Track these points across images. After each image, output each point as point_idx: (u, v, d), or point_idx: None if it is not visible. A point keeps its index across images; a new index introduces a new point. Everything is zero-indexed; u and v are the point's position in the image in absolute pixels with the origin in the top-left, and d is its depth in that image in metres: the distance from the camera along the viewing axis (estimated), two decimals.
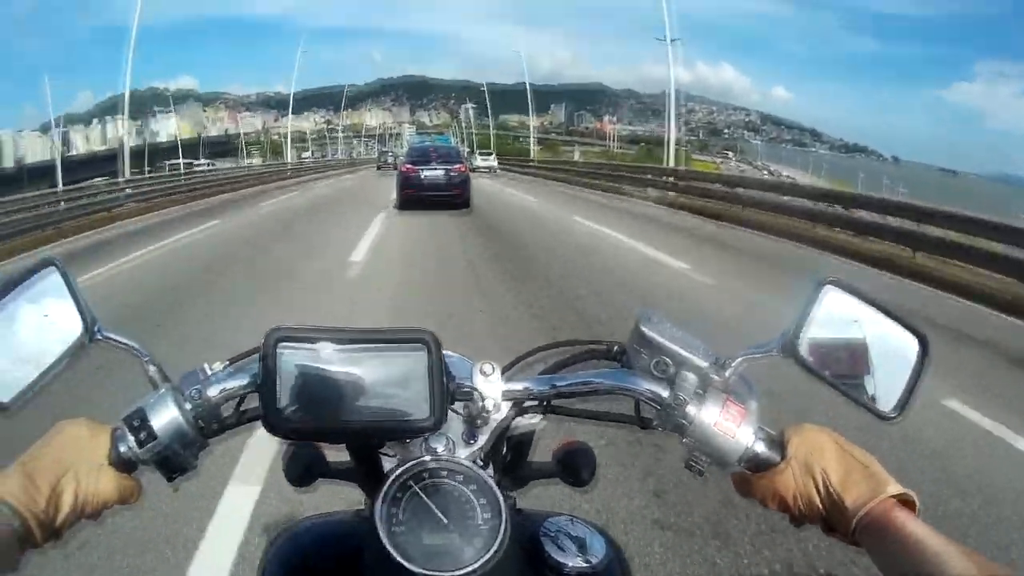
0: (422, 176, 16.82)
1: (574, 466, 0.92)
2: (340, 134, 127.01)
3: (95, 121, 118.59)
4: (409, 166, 17.32)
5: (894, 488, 0.68)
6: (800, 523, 0.76)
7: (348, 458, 0.88)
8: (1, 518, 0.62)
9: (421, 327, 0.74)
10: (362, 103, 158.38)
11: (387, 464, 0.83)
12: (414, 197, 16.48)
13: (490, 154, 56.03)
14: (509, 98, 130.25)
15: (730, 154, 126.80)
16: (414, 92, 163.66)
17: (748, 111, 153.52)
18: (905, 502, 0.68)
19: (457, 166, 17.30)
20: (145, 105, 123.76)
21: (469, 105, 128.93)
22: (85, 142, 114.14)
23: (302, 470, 0.89)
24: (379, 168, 48.91)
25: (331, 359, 0.71)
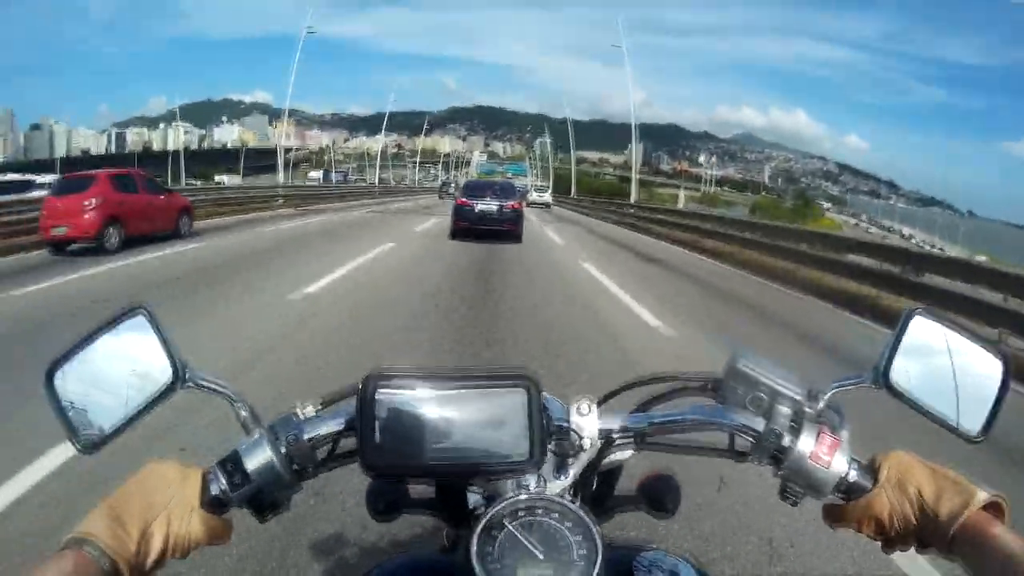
0: (476, 209, 17.28)
1: (659, 497, 0.95)
2: (382, 159, 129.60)
3: (161, 125, 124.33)
4: (464, 199, 17.78)
5: (984, 496, 0.71)
6: (892, 546, 0.79)
7: (431, 491, 0.91)
8: (90, 559, 0.64)
9: (521, 367, 0.78)
10: (437, 129, 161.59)
11: (472, 499, 0.88)
12: (465, 228, 17.03)
13: (546, 190, 57.87)
14: (584, 133, 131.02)
15: (862, 216, 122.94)
16: (488, 122, 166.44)
17: (825, 159, 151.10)
18: (996, 508, 0.71)
19: (511, 202, 17.76)
20: (217, 114, 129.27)
21: (545, 139, 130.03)
22: (138, 142, 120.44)
23: (386, 504, 0.93)
24: (440, 198, 47.70)
25: (429, 400, 0.74)
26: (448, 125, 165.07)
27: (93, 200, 13.11)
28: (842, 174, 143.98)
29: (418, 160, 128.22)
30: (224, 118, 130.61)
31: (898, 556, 2.65)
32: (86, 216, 12.94)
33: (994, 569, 0.66)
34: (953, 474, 0.75)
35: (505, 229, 17.03)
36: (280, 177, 41.79)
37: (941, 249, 57.81)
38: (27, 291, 8.96)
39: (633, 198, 42.66)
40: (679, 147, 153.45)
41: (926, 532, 0.74)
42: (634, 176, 47.58)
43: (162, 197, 15.82)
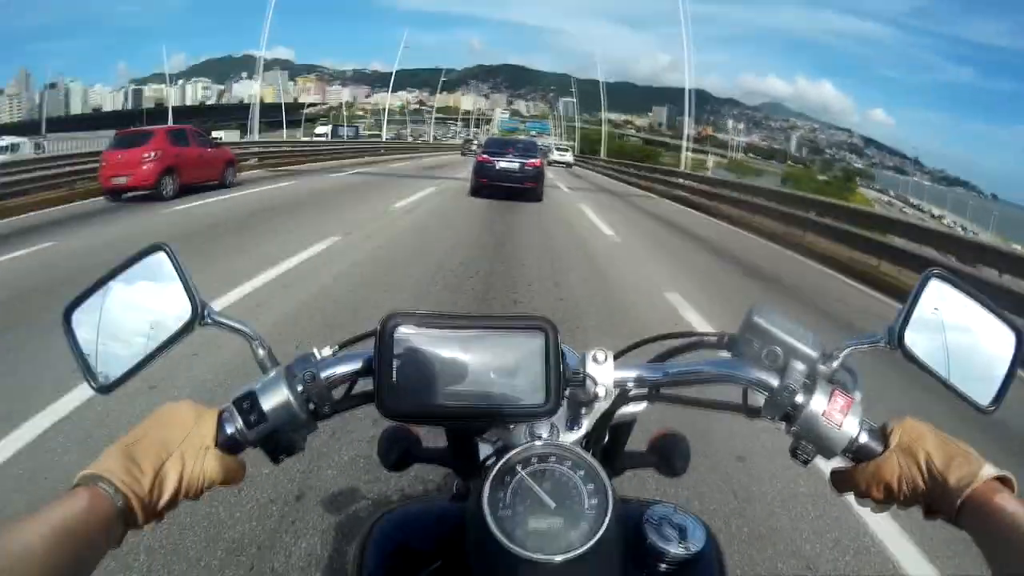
0: (497, 166, 17.41)
1: (669, 455, 0.95)
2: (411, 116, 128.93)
3: (180, 81, 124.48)
4: (485, 156, 17.91)
5: (993, 469, 0.71)
6: (905, 506, 0.78)
7: (442, 442, 0.90)
8: (105, 497, 0.64)
9: (539, 314, 0.77)
10: (460, 87, 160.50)
11: (483, 449, 0.88)
12: (487, 186, 17.21)
13: (567, 150, 58.45)
14: (609, 95, 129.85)
15: (889, 192, 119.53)
16: (513, 81, 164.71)
17: (851, 132, 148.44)
18: (1004, 483, 0.71)
19: (532, 160, 17.86)
20: (236, 70, 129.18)
21: (569, 99, 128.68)
22: (154, 98, 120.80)
23: (399, 454, 0.94)
24: (463, 155, 48.48)
25: (446, 343, 0.74)
26: (471, 82, 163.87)
27: (152, 153, 14.74)
28: (867, 147, 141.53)
29: (433, 116, 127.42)
30: (244, 74, 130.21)
31: (898, 554, 2.79)
32: (145, 167, 14.54)
33: (1001, 538, 0.67)
34: (964, 445, 0.76)
35: (526, 187, 17.27)
36: (284, 133, 42.05)
37: (974, 234, 55.86)
38: (121, 227, 10.71)
39: (684, 166, 36.25)
40: (705, 112, 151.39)
41: (934, 498, 0.74)
42: (685, 144, 42.57)
43: (210, 150, 17.58)
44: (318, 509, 2.86)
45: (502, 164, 17.50)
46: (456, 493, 1.04)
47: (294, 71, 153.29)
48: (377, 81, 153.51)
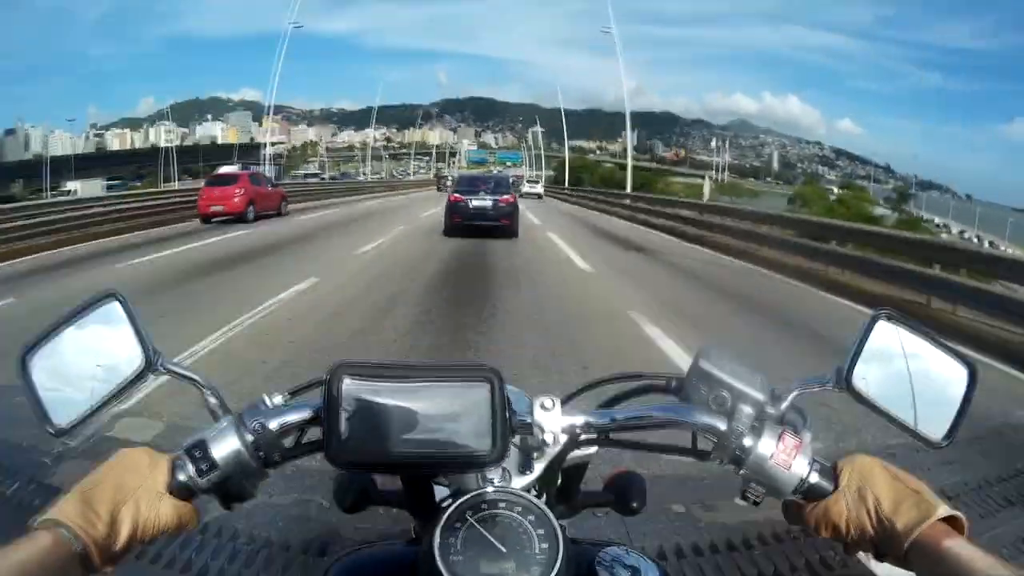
0: (471, 205, 17.59)
1: (625, 494, 0.96)
2: (374, 152, 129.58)
3: (144, 125, 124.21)
4: (457, 195, 18.10)
5: (943, 511, 0.71)
6: (852, 550, 0.79)
7: (398, 484, 0.92)
8: (63, 541, 0.66)
9: (484, 363, 0.79)
10: (428, 122, 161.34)
11: (439, 492, 0.88)
12: (461, 225, 17.27)
13: (537, 182, 63.13)
14: (577, 123, 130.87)
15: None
16: (480, 114, 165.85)
17: (822, 145, 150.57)
18: (954, 524, 0.72)
19: (505, 196, 18.02)
20: (204, 112, 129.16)
21: (538, 128, 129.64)
22: (118, 142, 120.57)
23: (354, 497, 0.95)
24: (439, 190, 48.58)
25: (394, 392, 0.75)
26: (444, 117, 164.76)
27: (241, 190, 21.68)
28: (839, 159, 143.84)
29: (413, 152, 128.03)
30: (209, 116, 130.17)
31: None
32: (236, 200, 21.41)
33: None
34: (915, 483, 0.76)
35: (500, 224, 17.43)
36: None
37: (993, 245, 54.14)
38: (226, 236, 17.24)
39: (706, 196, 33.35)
40: (673, 134, 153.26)
41: (882, 541, 0.75)
42: (716, 173, 37.29)
43: (271, 188, 25.01)
44: (276, 550, 2.86)
45: (475, 202, 17.70)
46: (414, 536, 1.00)
47: (261, 112, 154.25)
48: (343, 119, 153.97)
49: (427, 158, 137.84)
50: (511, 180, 23.62)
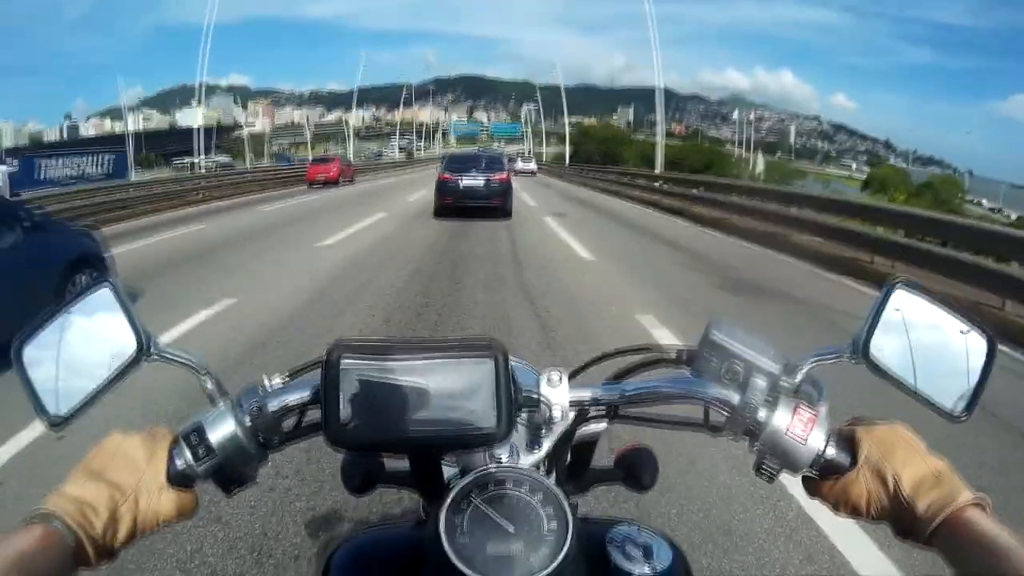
0: (461, 184, 17.09)
1: (637, 470, 0.95)
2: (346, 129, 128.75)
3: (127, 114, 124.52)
4: (447, 174, 17.46)
5: (966, 496, 0.69)
6: (875, 523, 0.77)
7: (406, 464, 0.90)
8: (56, 537, 0.65)
9: (488, 336, 0.78)
10: (418, 101, 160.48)
11: (447, 471, 0.86)
12: (451, 206, 16.93)
13: (531, 160, 69.85)
14: (572, 100, 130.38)
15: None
16: (472, 92, 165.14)
17: (819, 119, 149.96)
18: (979, 505, 0.69)
19: (499, 175, 17.47)
20: (191, 99, 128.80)
21: (531, 106, 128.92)
22: (94, 130, 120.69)
23: (361, 478, 0.94)
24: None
25: (394, 370, 0.74)
26: (436, 96, 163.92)
27: (336, 166, 37.79)
28: (837, 134, 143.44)
29: (398, 131, 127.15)
30: (194, 101, 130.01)
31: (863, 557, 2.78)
32: (332, 172, 36.61)
33: (984, 564, 0.64)
34: (937, 463, 0.74)
35: (493, 205, 16.93)
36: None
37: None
38: (326, 193, 29.51)
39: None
40: (670, 109, 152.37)
41: (903, 521, 0.73)
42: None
43: (349, 167, 40.97)
44: (288, 532, 2.93)
45: (466, 182, 17.10)
46: (423, 516, 0.99)
47: (250, 96, 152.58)
48: (334, 102, 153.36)
49: (410, 136, 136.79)
50: (505, 158, 22.39)
